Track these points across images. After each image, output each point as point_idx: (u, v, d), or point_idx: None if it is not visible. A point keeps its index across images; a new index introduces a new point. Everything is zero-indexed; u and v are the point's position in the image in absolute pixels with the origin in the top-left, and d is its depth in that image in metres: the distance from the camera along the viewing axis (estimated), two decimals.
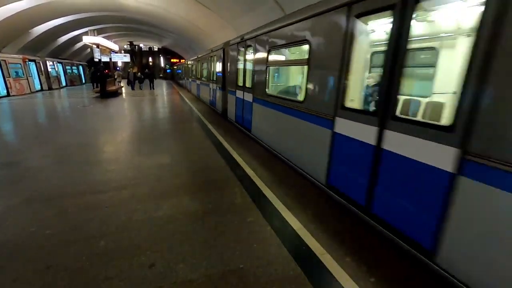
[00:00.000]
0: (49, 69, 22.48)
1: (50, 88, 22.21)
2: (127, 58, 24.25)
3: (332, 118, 3.51)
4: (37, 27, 17.47)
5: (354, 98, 3.36)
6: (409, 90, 4.52)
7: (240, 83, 7.72)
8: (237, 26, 13.34)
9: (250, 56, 6.91)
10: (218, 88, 10.66)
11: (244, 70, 7.38)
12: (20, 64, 17.81)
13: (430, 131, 2.29)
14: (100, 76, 15.90)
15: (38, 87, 20.40)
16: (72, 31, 21.82)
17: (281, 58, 6.25)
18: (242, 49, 7.49)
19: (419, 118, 4.04)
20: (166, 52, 47.66)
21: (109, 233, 2.89)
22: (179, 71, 33.03)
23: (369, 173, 2.97)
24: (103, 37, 23.02)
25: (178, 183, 4.21)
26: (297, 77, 6.70)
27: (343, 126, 3.34)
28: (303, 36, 4.22)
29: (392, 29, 2.60)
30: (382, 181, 2.83)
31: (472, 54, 1.96)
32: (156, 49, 51.80)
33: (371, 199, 2.98)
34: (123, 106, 13.26)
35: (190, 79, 21.53)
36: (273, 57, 5.74)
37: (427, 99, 4.35)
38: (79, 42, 24.77)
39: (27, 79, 18.58)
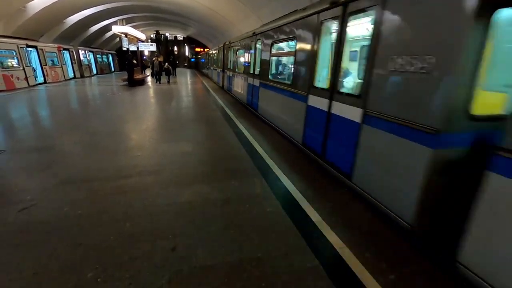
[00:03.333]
0: (81, 58, 23.56)
1: (82, 76, 23.33)
2: (153, 47, 24.71)
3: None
4: (70, 17, 18.31)
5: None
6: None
7: None
8: (261, 15, 13.14)
9: None
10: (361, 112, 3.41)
11: None
12: (56, 52, 18.82)
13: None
14: (128, 65, 16.38)
15: (71, 75, 21.51)
16: (102, 20, 22.64)
17: None
18: None
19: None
20: (191, 41, 48.07)
21: (134, 216, 3.03)
22: (203, 60, 33.56)
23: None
24: (131, 26, 23.61)
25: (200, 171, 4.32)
26: None
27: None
28: None
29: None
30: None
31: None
32: (181, 38, 52.38)
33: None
34: (149, 94, 13.65)
35: (229, 73, 14.31)
36: None
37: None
38: (109, 31, 25.65)
39: (62, 67, 19.62)
